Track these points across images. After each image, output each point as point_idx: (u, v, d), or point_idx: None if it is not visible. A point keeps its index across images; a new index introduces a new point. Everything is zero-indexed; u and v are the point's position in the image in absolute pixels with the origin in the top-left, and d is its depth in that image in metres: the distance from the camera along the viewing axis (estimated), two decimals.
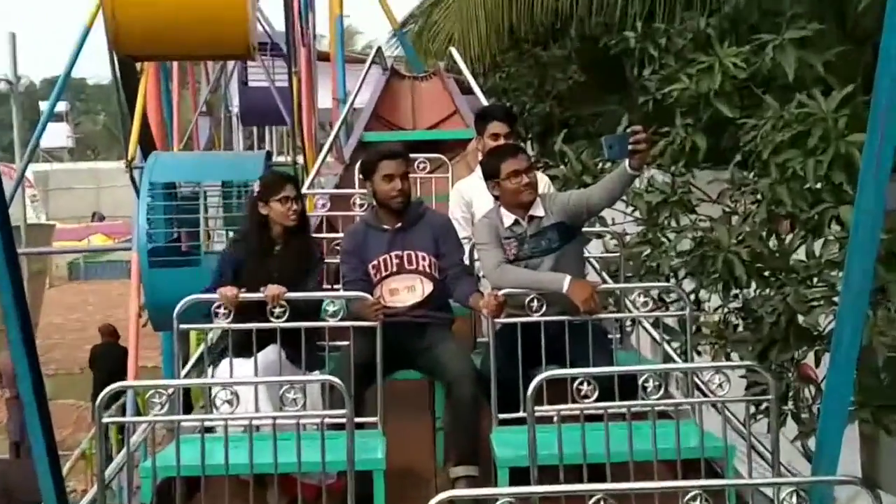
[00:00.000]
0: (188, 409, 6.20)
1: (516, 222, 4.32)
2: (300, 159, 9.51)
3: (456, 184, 5.44)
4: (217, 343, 4.46)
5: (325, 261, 5.24)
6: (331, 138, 7.56)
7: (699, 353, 6.10)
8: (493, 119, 5.07)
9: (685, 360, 4.58)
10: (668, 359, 4.63)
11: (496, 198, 4.40)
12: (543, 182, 5.00)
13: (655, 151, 6.51)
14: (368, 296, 4.19)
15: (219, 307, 4.03)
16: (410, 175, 4.67)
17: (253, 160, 7.79)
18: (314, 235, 5.38)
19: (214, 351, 4.34)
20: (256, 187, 4.45)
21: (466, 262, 4.63)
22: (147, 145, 8.65)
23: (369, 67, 9.15)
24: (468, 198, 5.14)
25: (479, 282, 4.59)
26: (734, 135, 6.52)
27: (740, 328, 5.86)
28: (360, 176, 4.74)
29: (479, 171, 4.89)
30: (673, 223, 6.27)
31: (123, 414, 8.49)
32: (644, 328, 4.90)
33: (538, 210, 4.33)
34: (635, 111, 7.89)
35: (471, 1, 9.72)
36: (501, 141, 4.93)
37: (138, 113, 8.25)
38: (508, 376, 4.02)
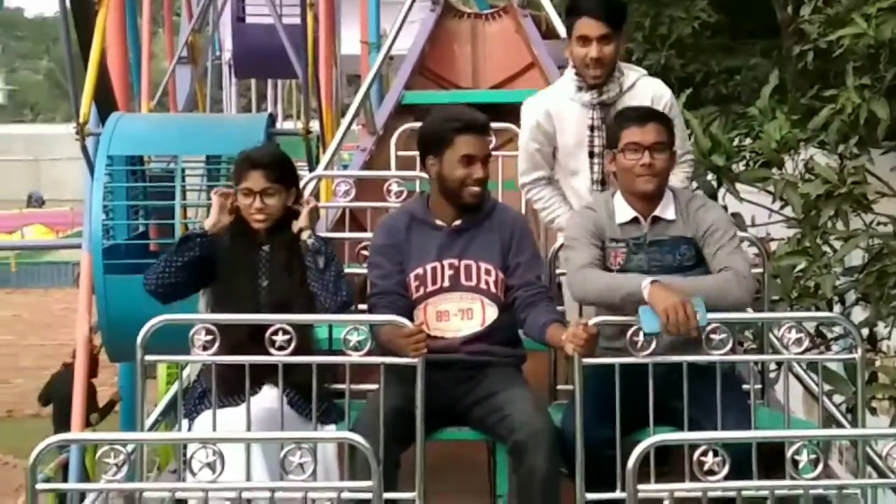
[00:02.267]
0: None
1: (634, 221, 4.36)
2: (315, 126, 9.55)
3: (533, 97, 5.34)
4: (195, 385, 4.49)
5: (349, 271, 5.28)
6: (358, 97, 7.56)
7: (874, 413, 6.02)
8: (581, 13, 4.87)
9: (854, 423, 4.51)
10: (829, 420, 4.57)
11: (613, 175, 4.46)
12: (657, 101, 4.95)
13: (817, 123, 6.45)
14: (405, 321, 4.19)
15: (199, 334, 4.05)
16: None
17: (250, 126, 7.87)
18: (331, 235, 5.42)
19: (191, 396, 4.38)
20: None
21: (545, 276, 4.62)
22: (106, 103, 8.76)
23: None
24: (547, 126, 4.99)
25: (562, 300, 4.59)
26: None
27: None
28: (419, 150, 4.70)
29: (569, 78, 4.96)
30: (840, 226, 6.20)
31: (64, 478, 8.65)
32: (795, 375, 4.84)
33: (667, 211, 4.37)
34: (788, 66, 7.82)
35: None
36: (593, 49, 4.80)
37: (94, 58, 8.34)
38: (600, 439, 4.01)
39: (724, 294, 4.11)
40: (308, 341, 4.23)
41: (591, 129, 4.91)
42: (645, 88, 4.99)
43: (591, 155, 4.91)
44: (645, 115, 4.45)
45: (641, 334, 4.04)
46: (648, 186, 4.33)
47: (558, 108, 5.00)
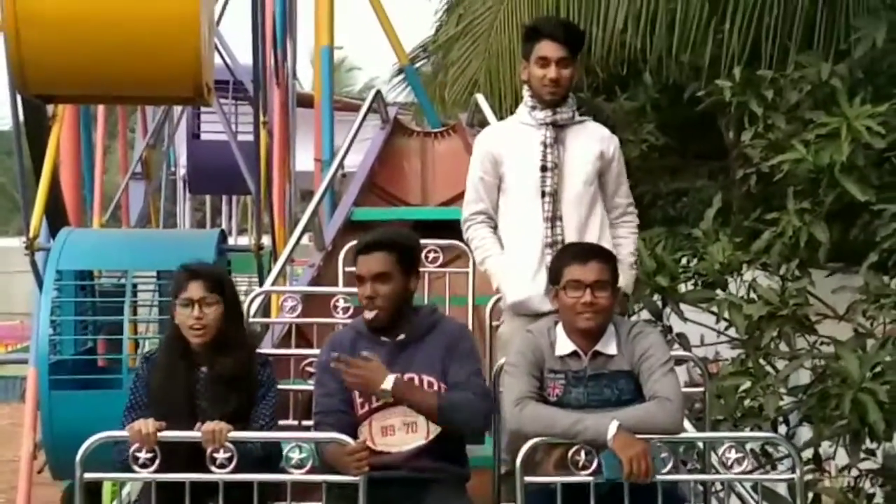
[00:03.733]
0: None
1: (574, 354, 4.36)
2: (267, 241, 9.58)
3: (484, 130, 5.50)
4: (137, 503, 4.45)
5: (295, 388, 5.27)
6: (308, 212, 7.61)
7: None
8: (541, 37, 4.98)
9: None
10: None
11: (555, 311, 4.46)
12: (607, 142, 5.10)
13: (759, 246, 6.56)
14: (348, 439, 4.18)
15: (138, 451, 4.02)
16: (421, 269, 4.71)
17: (201, 241, 7.91)
18: (277, 352, 5.42)
19: None
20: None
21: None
22: (57, 218, 8.77)
23: (364, 117, 9.27)
24: (496, 151, 5.09)
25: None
26: (868, 225, 6.55)
27: (878, 498, 5.80)
28: (346, 269, 4.80)
29: (522, 106, 5.09)
30: (783, 346, 6.26)
31: None
32: (737, 495, 4.84)
33: (609, 346, 4.37)
34: (734, 189, 7.96)
35: (504, 34, 9.90)
36: (552, 70, 4.93)
37: (46, 173, 8.35)
38: None
39: (651, 422, 4.10)
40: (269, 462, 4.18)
41: (544, 145, 4.99)
42: (596, 128, 5.16)
43: (544, 169, 4.97)
44: (587, 252, 4.45)
45: (583, 455, 4.05)
46: (590, 324, 4.31)
47: (509, 132, 5.15)
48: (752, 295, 6.43)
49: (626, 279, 4.96)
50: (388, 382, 4.31)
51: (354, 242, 4.73)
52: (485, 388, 4.49)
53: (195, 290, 4.44)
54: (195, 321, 4.42)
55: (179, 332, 4.48)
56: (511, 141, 5.08)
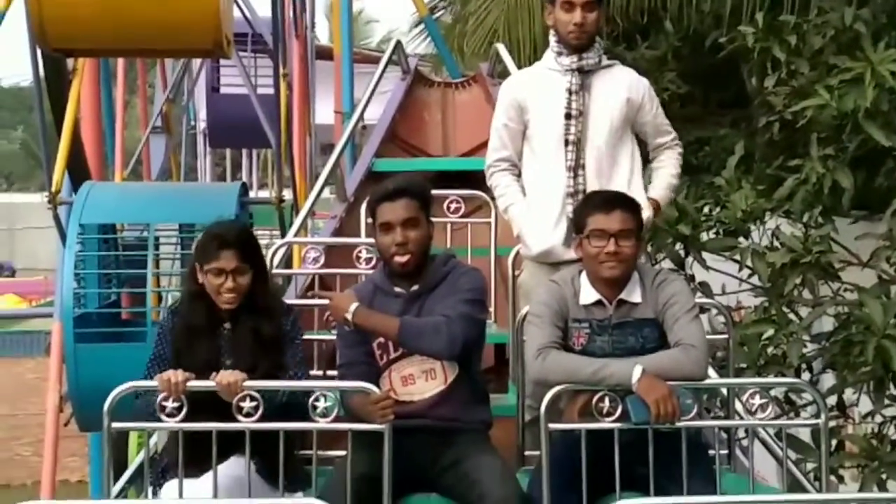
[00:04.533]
0: None
1: (598, 303, 4.35)
2: (288, 195, 9.59)
3: (510, 77, 5.46)
4: (161, 456, 4.47)
5: (317, 338, 5.29)
6: (329, 164, 7.62)
7: (841, 480, 6.04)
8: None
9: (820, 489, 4.52)
10: (795, 485, 4.57)
11: (578, 260, 4.46)
12: (635, 87, 5.07)
13: (782, 193, 6.53)
14: (372, 387, 4.21)
15: (165, 401, 4.05)
16: (442, 219, 4.71)
17: (223, 195, 7.89)
18: (301, 302, 5.43)
19: (157, 468, 4.36)
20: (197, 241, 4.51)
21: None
22: (79, 173, 8.79)
23: (384, 69, 9.24)
24: (521, 98, 5.10)
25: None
26: (892, 171, 6.52)
27: None
28: (368, 220, 4.80)
29: (548, 52, 5.07)
30: (806, 294, 6.25)
31: None
32: (762, 442, 4.85)
33: (634, 294, 4.36)
34: (757, 137, 7.91)
35: None
36: (577, 14, 4.92)
37: (67, 128, 8.36)
38: None
39: (677, 368, 4.11)
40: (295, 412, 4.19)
41: (570, 92, 4.98)
42: (624, 73, 5.15)
43: (568, 116, 4.97)
44: (611, 201, 4.42)
45: (608, 401, 4.06)
46: (614, 273, 4.30)
47: (535, 79, 5.14)
48: (775, 243, 6.42)
49: (659, 192, 4.98)
50: (351, 311, 4.38)
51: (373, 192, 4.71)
52: (464, 312, 4.40)
53: (228, 260, 4.40)
54: (227, 291, 4.41)
55: (201, 292, 4.47)
56: (536, 87, 5.06)
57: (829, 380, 6.59)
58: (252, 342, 4.41)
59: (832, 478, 5.72)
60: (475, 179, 7.78)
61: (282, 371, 4.40)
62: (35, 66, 7.80)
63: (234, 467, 4.12)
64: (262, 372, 4.28)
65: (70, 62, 8.46)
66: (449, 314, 4.38)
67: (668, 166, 5.17)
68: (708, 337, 5.31)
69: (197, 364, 4.26)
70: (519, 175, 5.11)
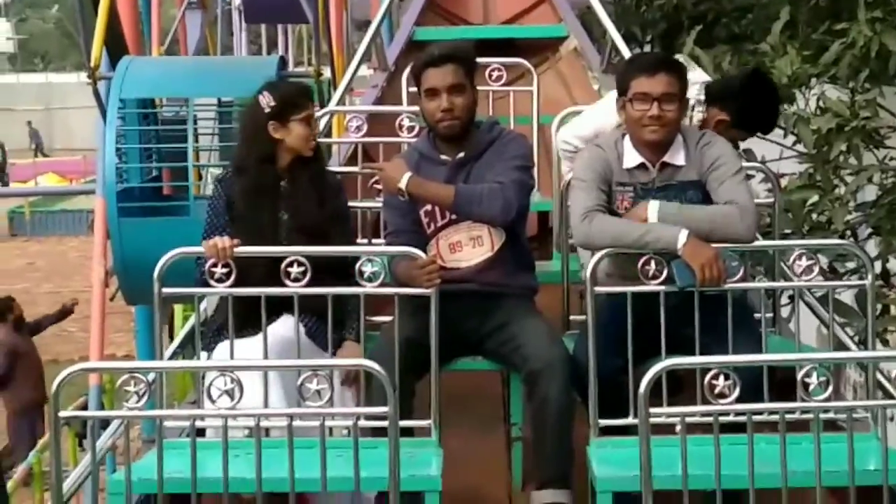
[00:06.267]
0: None
1: (641, 166, 4.33)
2: (326, 70, 9.56)
3: (596, 104, 5.34)
4: (212, 320, 4.55)
5: (362, 206, 5.32)
6: (368, 36, 7.56)
7: (885, 343, 6.06)
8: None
9: (864, 350, 4.55)
10: (840, 347, 4.60)
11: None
12: (695, 87, 4.92)
13: (828, 58, 6.44)
14: (419, 252, 4.24)
15: (214, 267, 4.09)
16: (484, 88, 4.68)
17: (261, 68, 7.87)
18: (346, 169, 5.46)
19: (208, 331, 4.43)
20: (266, 101, 4.49)
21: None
22: (116, 49, 8.78)
23: None
24: (598, 126, 4.93)
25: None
26: None
27: None
28: (411, 88, 4.78)
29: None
30: (852, 160, 6.21)
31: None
32: (807, 305, 4.87)
33: (677, 156, 4.33)
34: (800, 3, 7.78)
35: None
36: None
37: (104, 4, 8.36)
38: (613, 367, 4.06)
39: (726, 226, 4.11)
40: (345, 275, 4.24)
41: None
42: None
43: None
44: (655, 64, 4.35)
45: (653, 264, 4.08)
46: (657, 136, 4.27)
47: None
48: (821, 110, 6.36)
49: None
50: (404, 181, 4.38)
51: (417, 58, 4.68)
52: (517, 179, 4.42)
53: (312, 106, 4.58)
54: (314, 139, 4.56)
55: (272, 150, 4.51)
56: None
57: (873, 249, 6.57)
58: (312, 198, 4.49)
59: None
60: (517, 47, 7.74)
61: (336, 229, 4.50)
62: None
63: (284, 329, 4.18)
64: (316, 227, 4.38)
65: None
66: (502, 180, 4.38)
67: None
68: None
69: (256, 223, 4.35)
70: None
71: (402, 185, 4.38)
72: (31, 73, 56.58)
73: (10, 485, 9.67)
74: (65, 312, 13.60)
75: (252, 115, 4.56)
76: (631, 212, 4.25)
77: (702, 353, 3.93)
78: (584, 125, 5.08)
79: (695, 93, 4.76)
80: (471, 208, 4.38)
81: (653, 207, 4.16)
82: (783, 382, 3.92)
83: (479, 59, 4.83)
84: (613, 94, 4.65)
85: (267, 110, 4.48)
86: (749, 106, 4.91)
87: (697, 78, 4.95)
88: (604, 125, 4.83)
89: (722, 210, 4.16)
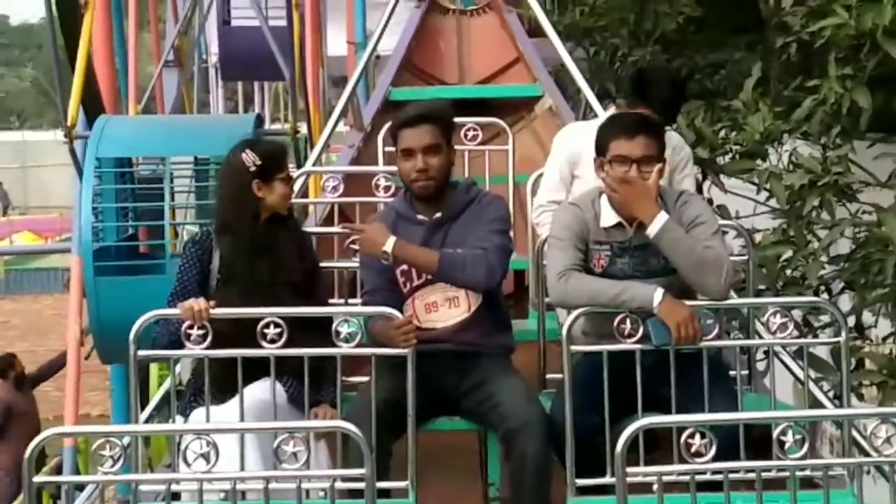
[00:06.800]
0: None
1: (619, 225, 4.35)
2: (303, 127, 9.59)
3: (565, 128, 5.49)
4: (187, 386, 4.53)
5: (339, 266, 5.33)
6: (346, 93, 7.59)
7: (861, 398, 6.08)
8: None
9: (840, 407, 4.57)
10: (815, 404, 4.62)
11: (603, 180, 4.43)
12: (677, 152, 4.98)
13: (800, 114, 6.50)
14: (396, 312, 4.24)
15: (191, 328, 4.09)
16: (459, 147, 4.71)
17: (238, 126, 7.87)
18: (321, 230, 5.47)
19: (184, 397, 4.42)
20: (251, 160, 4.51)
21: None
22: (93, 107, 8.78)
23: None
24: (576, 151, 5.07)
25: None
26: None
27: None
28: (387, 148, 4.81)
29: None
30: (825, 215, 6.25)
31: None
32: (782, 362, 4.88)
33: None
34: (773, 60, 7.87)
35: None
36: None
37: (81, 61, 8.37)
38: (590, 426, 4.06)
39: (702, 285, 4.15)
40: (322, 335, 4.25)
41: None
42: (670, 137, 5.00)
43: None
44: (634, 125, 4.36)
45: (629, 323, 4.09)
46: None
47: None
48: (793, 165, 6.40)
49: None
50: (389, 244, 4.37)
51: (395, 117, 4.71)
52: (499, 244, 4.44)
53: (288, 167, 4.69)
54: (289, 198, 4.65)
55: (257, 208, 4.53)
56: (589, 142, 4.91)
57: (846, 303, 6.60)
58: (296, 259, 4.57)
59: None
60: (492, 106, 7.78)
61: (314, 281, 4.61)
62: (47, 0, 7.78)
63: (260, 392, 4.17)
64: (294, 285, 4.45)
65: None
66: (485, 245, 4.39)
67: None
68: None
69: (263, 280, 4.43)
70: None
71: (388, 248, 4.37)
72: (6, 131, 56.50)
73: None
74: (63, 356, 13.44)
75: (236, 173, 4.56)
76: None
77: (678, 412, 3.93)
78: (550, 178, 5.19)
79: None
80: (454, 274, 4.39)
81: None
82: (760, 439, 3.93)
83: (455, 119, 4.86)
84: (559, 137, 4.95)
85: (252, 168, 4.50)
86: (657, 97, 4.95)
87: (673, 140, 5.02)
88: (560, 163, 5.11)
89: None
